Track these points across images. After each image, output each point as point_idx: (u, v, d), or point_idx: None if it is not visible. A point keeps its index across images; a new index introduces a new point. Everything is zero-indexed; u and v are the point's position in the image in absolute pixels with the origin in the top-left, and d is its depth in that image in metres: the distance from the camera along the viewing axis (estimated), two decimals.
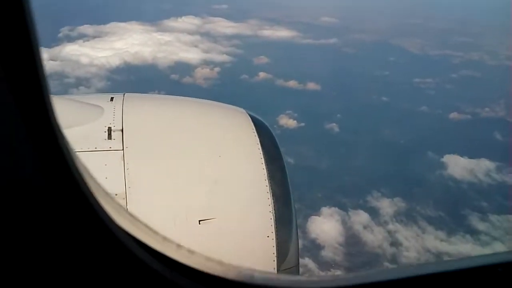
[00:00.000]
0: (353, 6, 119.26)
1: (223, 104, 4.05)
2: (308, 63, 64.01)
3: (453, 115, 50.58)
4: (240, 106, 3.87)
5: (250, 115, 3.64)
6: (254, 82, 57.76)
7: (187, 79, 56.69)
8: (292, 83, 56.98)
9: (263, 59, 64.63)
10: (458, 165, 36.50)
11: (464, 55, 76.99)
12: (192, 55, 62.46)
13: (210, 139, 3.41)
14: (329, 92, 54.91)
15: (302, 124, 45.63)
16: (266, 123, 3.68)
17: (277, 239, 3.06)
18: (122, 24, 73.94)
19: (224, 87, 54.69)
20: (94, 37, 67.81)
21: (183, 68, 59.57)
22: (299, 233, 3.46)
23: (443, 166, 37.37)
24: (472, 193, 33.72)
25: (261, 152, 3.27)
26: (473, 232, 28.37)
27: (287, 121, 46.16)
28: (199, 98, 4.36)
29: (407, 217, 29.07)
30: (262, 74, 59.23)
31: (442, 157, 38.32)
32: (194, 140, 3.40)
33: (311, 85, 56.59)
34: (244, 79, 58.33)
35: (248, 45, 71.36)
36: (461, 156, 38.05)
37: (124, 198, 2.91)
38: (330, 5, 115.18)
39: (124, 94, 3.73)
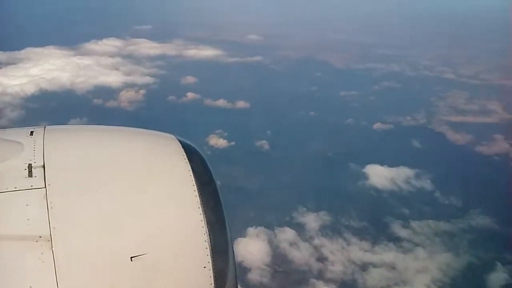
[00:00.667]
0: (278, 23, 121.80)
1: (150, 131, 3.89)
2: (236, 81, 64.27)
3: (377, 125, 52.27)
4: (168, 128, 3.79)
5: (180, 141, 3.56)
6: (182, 103, 57.09)
7: (111, 103, 54.98)
8: (221, 102, 56.85)
9: (190, 79, 64.19)
10: (379, 175, 37.54)
11: (386, 67, 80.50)
12: (112, 78, 60.95)
13: (138, 170, 3.29)
14: (258, 109, 55.20)
15: (233, 143, 45.38)
16: (197, 148, 3.61)
17: (214, 268, 2.99)
18: (38, 50, 71.15)
19: (151, 109, 53.57)
20: (7, 64, 64.64)
21: (105, 92, 57.84)
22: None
23: (364, 176, 38.31)
24: (393, 201, 34.79)
25: (193, 179, 3.22)
26: (396, 240, 29.14)
27: (217, 141, 45.75)
28: (125, 122, 4.19)
29: (332, 230, 29.39)
30: (190, 94, 58.69)
31: (364, 167, 39.31)
32: (121, 172, 3.26)
33: (240, 103, 56.73)
34: (172, 100, 57.49)
35: (173, 66, 70.80)
36: (382, 165, 39.24)
37: (49, 240, 2.73)
38: (255, 22, 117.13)
39: (45, 127, 3.55)
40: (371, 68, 79.95)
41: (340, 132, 49.86)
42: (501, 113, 58.86)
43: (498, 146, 47.97)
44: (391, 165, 39.33)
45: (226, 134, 46.59)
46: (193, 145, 3.61)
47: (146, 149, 3.54)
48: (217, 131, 47.18)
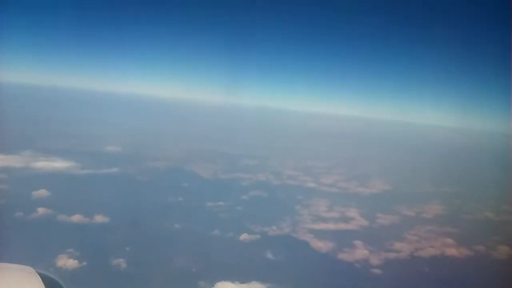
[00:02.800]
0: (144, 134, 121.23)
1: (8, 264, 3.69)
2: (94, 195, 59.78)
3: (243, 236, 51.33)
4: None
5: (40, 274, 3.49)
6: (31, 220, 50.80)
7: None
8: (76, 218, 51.70)
9: (43, 193, 58.17)
10: None
11: (252, 176, 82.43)
12: None
13: None
14: (118, 224, 51.19)
15: (84, 263, 40.43)
16: (59, 281, 3.63)
17: None
18: None
19: None
20: None
21: None
22: None
23: None
24: None
25: None
26: None
27: (66, 262, 40.50)
28: None
29: None
30: (41, 210, 52.71)
31: (213, 285, 37.13)
32: None
33: (98, 218, 52.17)
34: (19, 217, 50.92)
35: (21, 179, 64.13)
36: (233, 281, 37.44)
37: None
38: (115, 134, 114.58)
39: None
40: (239, 178, 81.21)
41: (204, 244, 47.78)
42: (359, 220, 62.12)
43: (358, 252, 49.55)
44: (243, 280, 37.63)
45: (77, 253, 41.59)
46: (54, 278, 3.59)
47: (5, 285, 3.25)
48: (68, 250, 42.04)
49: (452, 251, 50.60)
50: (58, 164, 74.93)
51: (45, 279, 3.41)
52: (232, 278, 37.98)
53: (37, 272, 3.51)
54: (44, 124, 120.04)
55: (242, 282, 37.45)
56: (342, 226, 58.90)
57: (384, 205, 68.83)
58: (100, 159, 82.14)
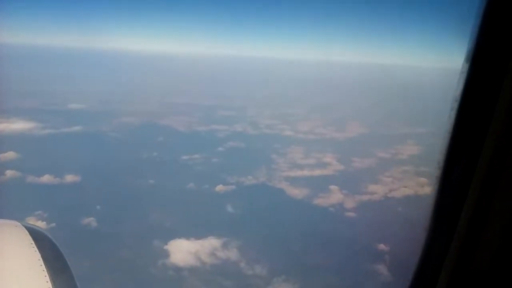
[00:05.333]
0: (116, 88, 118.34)
1: None
2: (66, 155, 58.43)
3: (219, 187, 50.98)
4: None
5: (26, 227, 3.39)
6: None
7: None
8: (46, 178, 50.59)
9: (11, 155, 56.60)
10: (181, 251, 35.01)
11: (229, 127, 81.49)
12: None
13: None
14: (90, 182, 50.26)
15: (53, 224, 39.76)
16: (47, 233, 3.47)
17: None
18: None
19: None
20: None
21: None
22: None
23: (166, 254, 35.59)
24: (192, 279, 32.34)
25: (45, 269, 3.00)
26: None
27: (35, 224, 39.61)
28: None
29: None
30: (9, 172, 51.42)
31: (167, 243, 36.75)
32: None
33: (70, 178, 51.14)
34: None
35: None
36: (188, 238, 37.12)
37: None
38: (80, 91, 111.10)
39: None
40: (215, 130, 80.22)
41: (180, 198, 47.35)
42: (335, 165, 62.10)
43: (333, 197, 49.69)
44: (198, 236, 37.31)
45: (46, 215, 40.85)
46: (42, 230, 3.47)
47: None
48: (36, 212, 41.26)
49: (425, 190, 50.99)
50: (20, 126, 72.84)
51: (31, 231, 3.33)
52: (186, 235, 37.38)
53: (22, 225, 3.41)
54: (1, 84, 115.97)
55: (197, 238, 36.95)
56: (318, 172, 58.83)
57: (360, 149, 68.81)
58: (72, 117, 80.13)
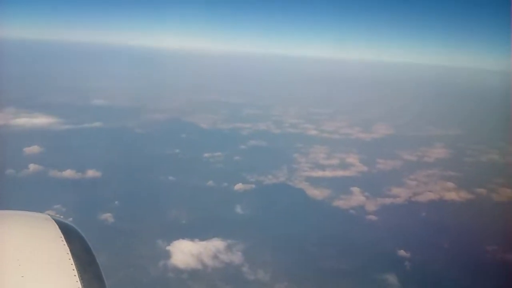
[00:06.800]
0: (144, 85, 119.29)
1: (24, 212, 3.72)
2: (88, 149, 58.96)
3: (238, 186, 50.37)
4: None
5: (56, 221, 3.47)
6: (22, 177, 50.30)
7: None
8: (68, 173, 51.06)
9: (35, 149, 57.47)
10: (184, 252, 34.12)
11: (253, 126, 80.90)
12: None
13: (11, 257, 2.99)
14: (111, 178, 50.45)
15: (70, 219, 39.79)
16: (76, 227, 3.49)
17: None
18: None
19: None
20: None
21: None
22: None
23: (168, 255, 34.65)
24: (192, 282, 31.45)
25: (73, 263, 3.05)
26: None
27: None
28: None
29: None
30: (32, 166, 52.13)
31: (169, 244, 35.91)
32: None
33: (91, 173, 51.48)
34: (10, 174, 50.44)
35: (9, 136, 63.31)
36: (192, 240, 36.30)
37: None
38: (104, 87, 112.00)
39: None
40: (239, 127, 79.80)
41: (198, 196, 46.93)
42: (358, 166, 60.65)
43: (354, 199, 48.39)
44: (203, 238, 36.51)
45: (64, 209, 41.05)
46: (71, 224, 3.49)
47: (20, 232, 3.30)
48: (55, 207, 41.51)
49: (451, 195, 49.15)
50: (45, 120, 73.94)
51: (61, 225, 3.41)
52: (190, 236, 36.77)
53: (52, 218, 3.53)
54: (29, 80, 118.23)
55: (202, 239, 36.13)
56: (340, 172, 57.53)
57: (385, 150, 67.09)
58: (95, 113, 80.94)
